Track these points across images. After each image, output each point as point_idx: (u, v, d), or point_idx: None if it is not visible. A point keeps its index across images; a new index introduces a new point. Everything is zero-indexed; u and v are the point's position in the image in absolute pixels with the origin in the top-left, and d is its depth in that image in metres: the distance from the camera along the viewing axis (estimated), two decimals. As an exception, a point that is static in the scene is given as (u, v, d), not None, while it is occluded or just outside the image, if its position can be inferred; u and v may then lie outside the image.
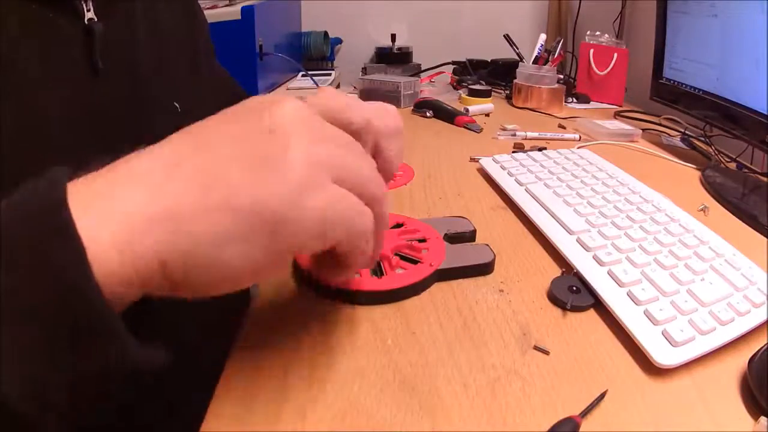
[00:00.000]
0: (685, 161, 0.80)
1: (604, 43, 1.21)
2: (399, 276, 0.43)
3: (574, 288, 0.43)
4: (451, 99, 1.14)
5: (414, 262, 0.45)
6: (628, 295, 0.41)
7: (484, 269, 0.46)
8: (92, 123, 0.40)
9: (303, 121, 0.28)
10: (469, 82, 1.23)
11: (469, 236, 0.51)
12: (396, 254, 0.45)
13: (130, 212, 0.24)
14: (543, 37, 1.14)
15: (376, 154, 0.37)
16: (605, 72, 1.18)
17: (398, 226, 0.51)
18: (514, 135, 0.89)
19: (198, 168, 0.25)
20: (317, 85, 1.31)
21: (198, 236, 0.24)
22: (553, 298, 0.43)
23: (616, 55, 1.17)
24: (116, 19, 0.43)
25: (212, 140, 0.27)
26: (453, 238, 0.50)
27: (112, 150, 0.41)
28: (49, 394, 0.22)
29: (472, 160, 0.76)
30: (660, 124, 1.01)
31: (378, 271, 0.44)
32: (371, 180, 0.30)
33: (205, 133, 0.28)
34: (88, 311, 0.22)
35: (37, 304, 0.21)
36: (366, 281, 0.42)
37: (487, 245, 0.48)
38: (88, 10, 0.40)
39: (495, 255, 0.47)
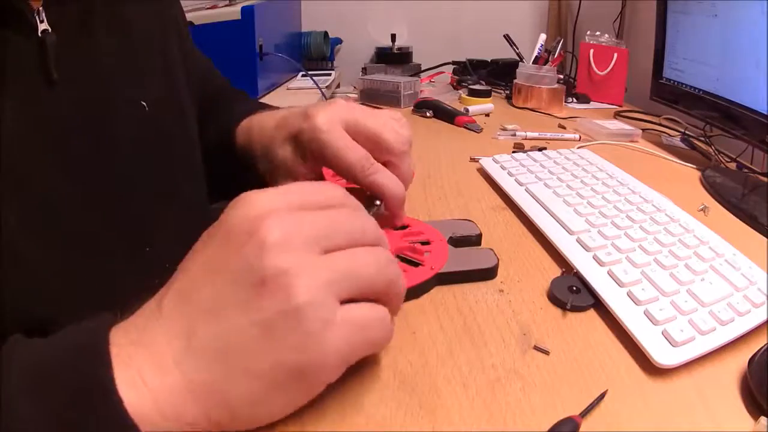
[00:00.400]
0: (685, 161, 0.80)
1: (604, 43, 1.21)
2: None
3: (574, 288, 0.43)
4: (451, 99, 1.14)
5: (415, 264, 0.45)
6: (628, 295, 0.41)
7: (486, 274, 0.46)
8: (46, 136, 0.38)
9: (287, 236, 0.27)
10: (469, 82, 1.23)
11: (475, 240, 0.51)
12: (397, 256, 0.45)
13: (170, 390, 0.26)
14: (543, 37, 1.14)
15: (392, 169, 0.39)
16: (605, 72, 1.18)
17: (403, 227, 0.50)
18: (514, 135, 0.89)
19: (209, 340, 0.27)
20: (317, 85, 1.31)
21: (234, 402, 0.27)
22: (553, 298, 0.43)
23: (616, 55, 1.17)
24: (72, 25, 0.41)
25: (210, 302, 0.28)
26: (458, 242, 0.49)
27: (70, 159, 0.40)
28: None
29: (472, 160, 0.76)
30: (660, 124, 1.01)
31: None
32: (377, 262, 0.31)
33: (198, 294, 0.28)
34: None
35: None
36: None
37: (491, 250, 0.48)
38: (42, 21, 0.38)
39: (498, 260, 0.47)
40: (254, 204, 0.29)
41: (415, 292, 0.43)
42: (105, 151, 0.43)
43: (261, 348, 0.27)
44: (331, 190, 0.32)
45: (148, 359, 0.27)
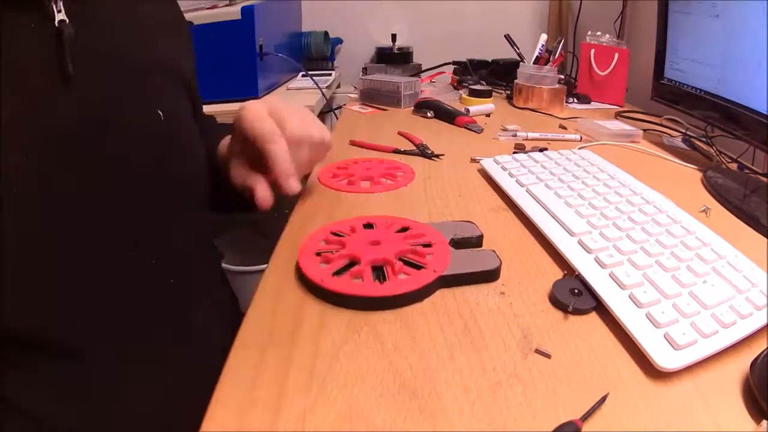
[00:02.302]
0: (686, 162, 0.80)
1: (605, 43, 1.20)
2: (401, 282, 0.43)
3: (576, 291, 0.43)
4: (451, 99, 1.14)
5: (418, 267, 0.45)
6: (629, 297, 0.41)
7: (489, 276, 0.45)
8: (60, 132, 0.38)
9: None
10: (470, 82, 1.23)
11: (476, 241, 0.51)
12: (400, 259, 0.45)
13: None
14: (544, 37, 1.14)
15: None
16: (606, 72, 1.18)
17: (404, 230, 0.50)
18: (515, 135, 0.89)
19: None
20: (317, 85, 1.31)
21: None
22: (555, 301, 0.42)
23: (617, 55, 1.16)
24: (90, 21, 0.40)
25: None
26: (459, 243, 0.49)
27: (79, 162, 0.39)
28: None
29: (473, 160, 0.76)
30: (661, 125, 1.01)
31: (381, 277, 0.43)
32: None
33: None
34: None
35: None
36: (368, 287, 0.42)
37: (494, 251, 0.48)
38: (59, 11, 0.37)
39: (501, 261, 0.46)
40: None
41: (418, 296, 0.42)
42: (116, 157, 0.42)
43: None
44: None
45: None
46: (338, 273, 0.43)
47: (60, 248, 0.37)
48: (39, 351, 0.37)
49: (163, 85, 0.50)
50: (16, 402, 0.36)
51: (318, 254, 0.46)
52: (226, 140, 0.58)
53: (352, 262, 0.44)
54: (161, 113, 0.47)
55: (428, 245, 0.48)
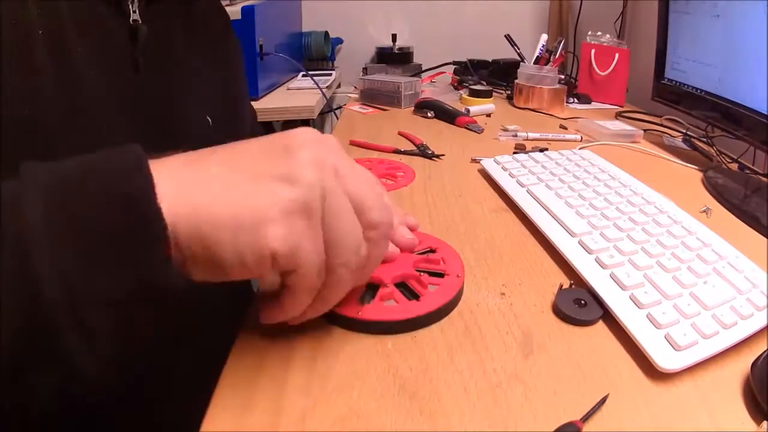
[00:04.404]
0: (686, 162, 0.80)
1: (605, 43, 1.20)
2: (381, 309, 0.39)
3: (583, 302, 0.41)
4: (452, 99, 1.14)
5: (413, 297, 0.41)
6: (630, 298, 0.41)
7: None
8: (132, 112, 0.41)
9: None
10: (470, 82, 1.23)
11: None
12: (399, 284, 0.41)
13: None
14: (544, 37, 1.14)
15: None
16: (606, 72, 1.18)
17: (431, 251, 0.46)
18: (516, 136, 0.89)
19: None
20: (317, 85, 1.31)
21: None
22: (561, 314, 0.41)
23: (617, 55, 1.16)
24: (157, 24, 0.44)
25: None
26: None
27: (147, 141, 0.42)
28: (84, 309, 0.24)
29: (473, 161, 0.76)
30: (661, 125, 1.01)
31: (368, 297, 0.40)
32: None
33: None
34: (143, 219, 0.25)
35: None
36: (347, 306, 0.38)
37: None
38: (134, 12, 0.42)
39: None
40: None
41: (394, 328, 0.38)
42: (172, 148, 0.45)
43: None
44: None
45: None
46: None
47: None
48: None
49: (214, 91, 0.52)
50: None
51: None
52: None
53: None
54: (210, 119, 0.50)
55: (441, 275, 0.43)
